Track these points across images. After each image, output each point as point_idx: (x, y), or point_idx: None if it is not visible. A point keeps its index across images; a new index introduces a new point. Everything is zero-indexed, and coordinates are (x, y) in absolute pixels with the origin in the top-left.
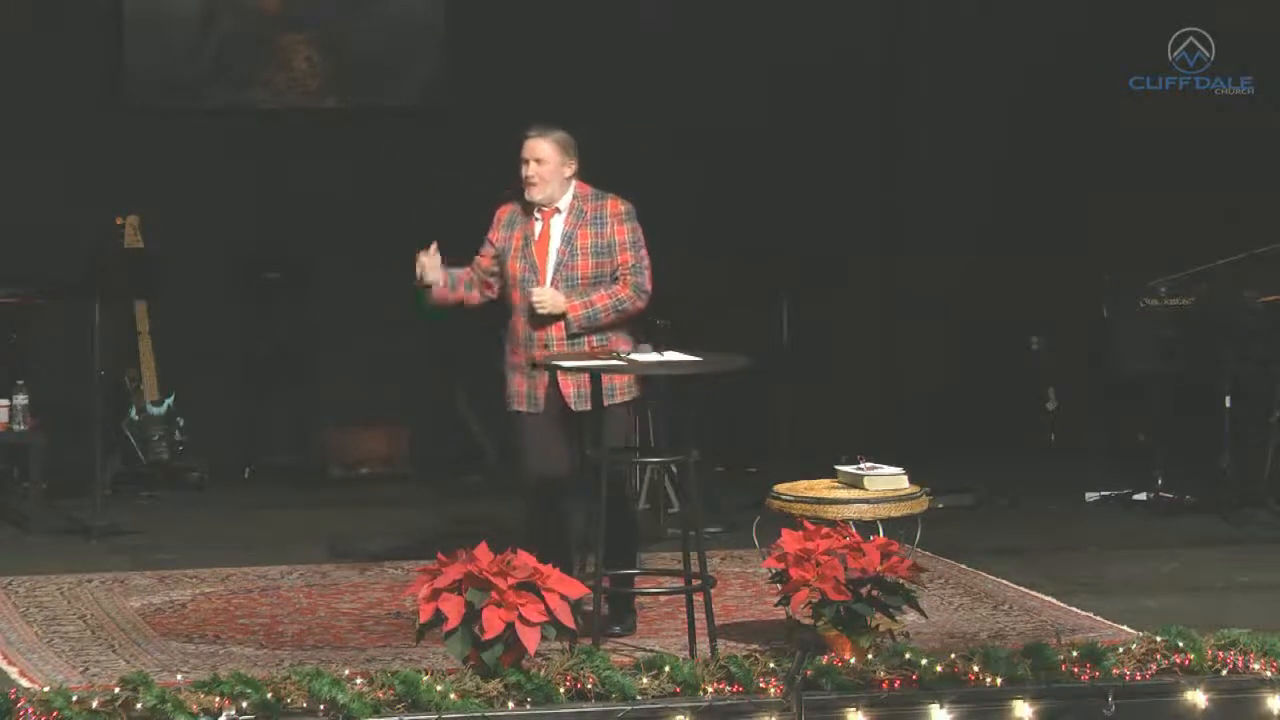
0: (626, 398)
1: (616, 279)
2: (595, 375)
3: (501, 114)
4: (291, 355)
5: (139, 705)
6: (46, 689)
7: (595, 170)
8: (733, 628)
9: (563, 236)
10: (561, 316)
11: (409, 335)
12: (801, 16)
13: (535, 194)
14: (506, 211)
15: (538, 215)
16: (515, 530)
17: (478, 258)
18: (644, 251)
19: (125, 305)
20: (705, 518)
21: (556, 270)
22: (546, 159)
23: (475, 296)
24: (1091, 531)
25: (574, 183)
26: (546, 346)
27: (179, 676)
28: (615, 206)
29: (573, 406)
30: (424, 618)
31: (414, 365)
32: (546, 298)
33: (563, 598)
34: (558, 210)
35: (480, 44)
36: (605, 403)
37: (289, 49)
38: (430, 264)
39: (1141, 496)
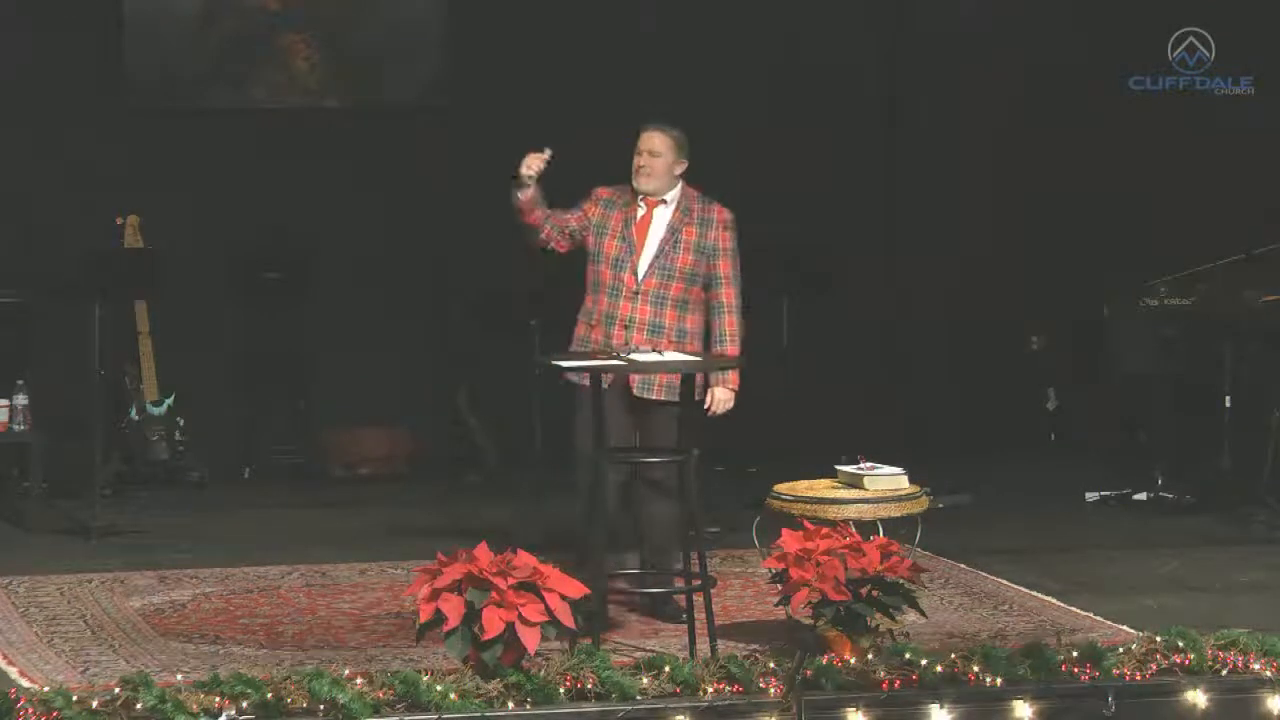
0: (680, 399)
1: (714, 286)
2: (595, 374)
3: (502, 113)
4: (291, 355)
5: (139, 705)
6: (46, 689)
7: (596, 169)
8: (733, 628)
9: (668, 227)
10: (658, 329)
11: (409, 335)
12: (801, 16)
13: (644, 184)
14: (607, 192)
15: (642, 203)
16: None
17: (563, 213)
18: (739, 263)
19: (125, 305)
20: (705, 518)
21: (655, 257)
22: (661, 153)
23: (547, 231)
24: (1091, 531)
25: (682, 182)
26: (627, 328)
27: (179, 676)
28: (723, 214)
29: (636, 391)
30: (424, 618)
31: (414, 365)
32: (723, 400)
33: (563, 598)
34: (664, 202)
35: (480, 43)
36: (664, 399)
37: (289, 49)
38: (535, 162)
39: (1141, 496)
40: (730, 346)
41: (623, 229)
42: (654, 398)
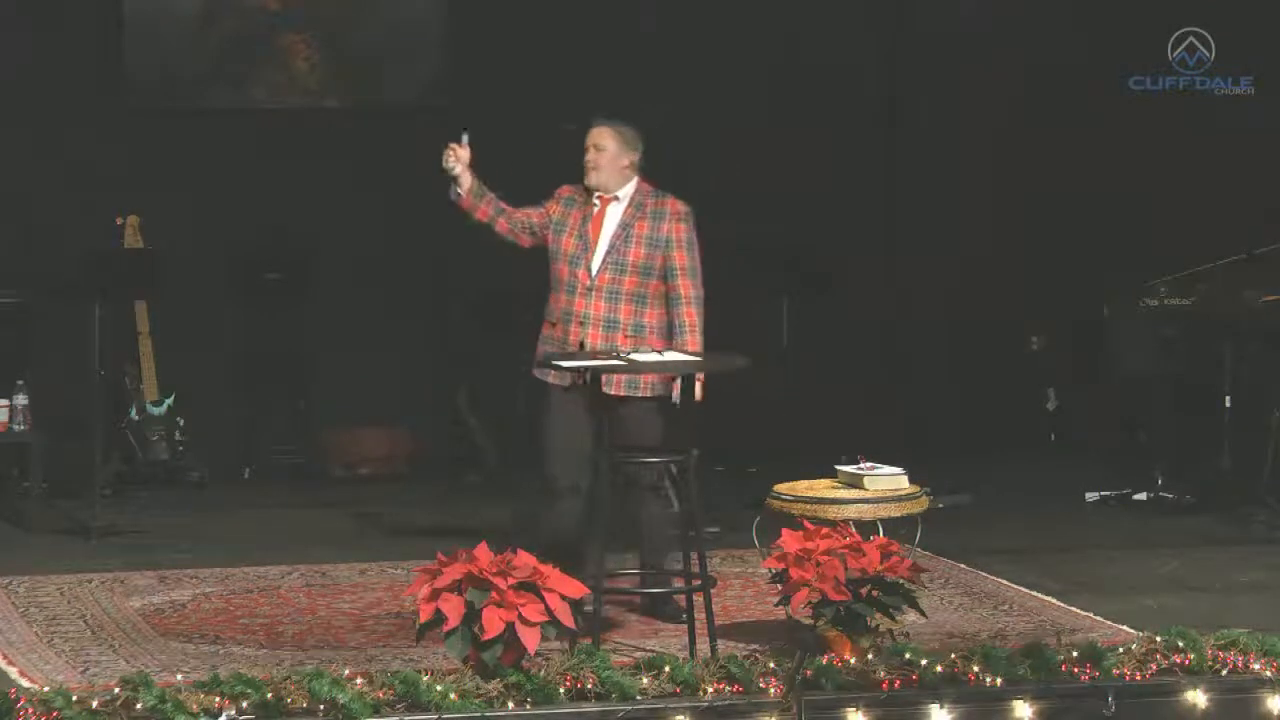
0: (650, 394)
1: (670, 278)
2: (595, 374)
3: (502, 113)
4: (291, 355)
5: (139, 705)
6: (46, 689)
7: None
8: (733, 628)
9: (620, 223)
10: (614, 324)
11: (409, 335)
12: (801, 15)
13: (592, 178)
14: (568, 191)
15: (596, 201)
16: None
17: (527, 208)
18: (697, 254)
19: (125, 305)
20: (705, 518)
21: (608, 253)
22: (606, 147)
23: (502, 224)
24: (1091, 531)
25: (636, 177)
26: (583, 324)
27: (179, 676)
28: (675, 205)
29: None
30: (424, 618)
31: (414, 365)
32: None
33: (563, 598)
34: (616, 198)
35: (480, 43)
36: (625, 394)
37: (289, 49)
38: (459, 154)
39: (1141, 496)
40: (689, 338)
41: (579, 226)
42: (614, 393)
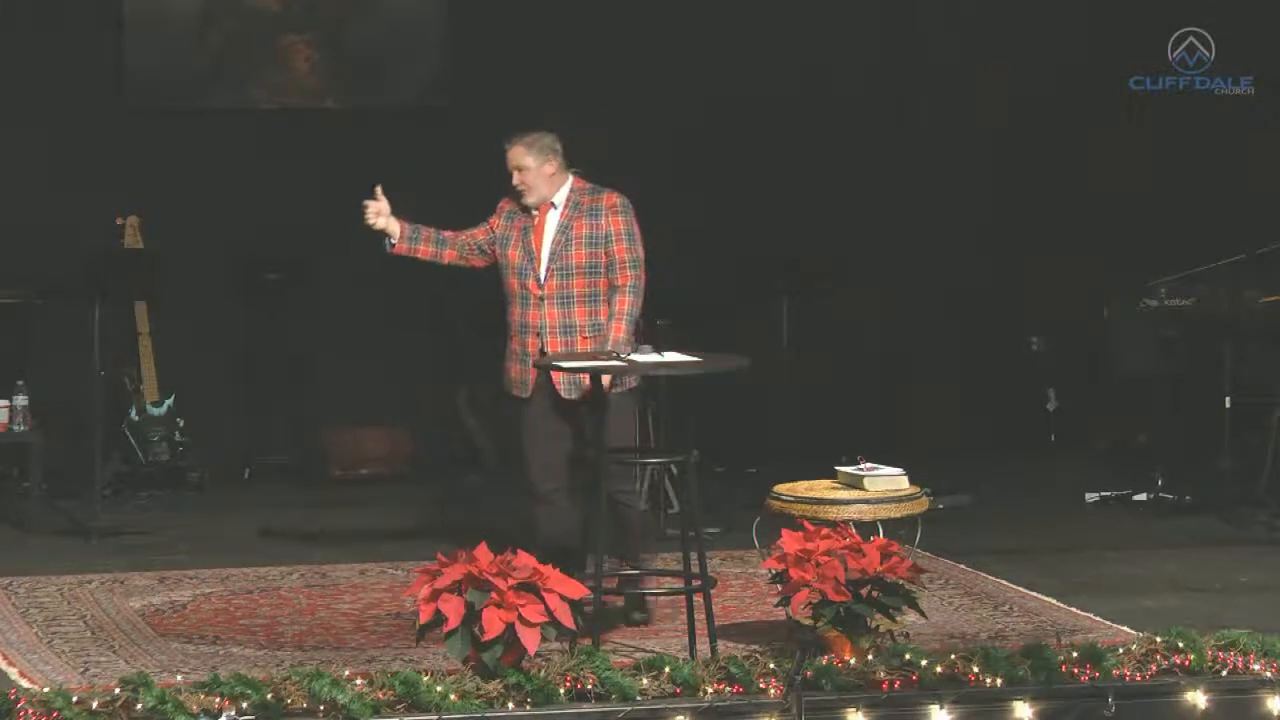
0: (620, 388)
1: (612, 272)
2: (595, 375)
3: (502, 114)
4: (291, 355)
5: (139, 706)
6: (46, 689)
7: (596, 170)
8: (733, 628)
9: (559, 227)
10: (570, 328)
11: (409, 335)
12: (802, 15)
13: (529, 199)
14: (510, 203)
15: (534, 210)
16: (522, 524)
17: (472, 229)
18: (638, 244)
19: (125, 305)
20: (705, 518)
21: (551, 260)
22: (527, 165)
23: (448, 255)
24: (1091, 531)
25: (570, 179)
26: (539, 335)
27: (179, 677)
28: (610, 199)
29: (563, 394)
30: (424, 618)
31: (414, 365)
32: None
33: (563, 598)
34: (553, 205)
35: (480, 44)
36: (572, 398)
37: (289, 49)
38: (378, 207)
39: (1141, 496)
40: (615, 324)
41: (521, 237)
42: (565, 398)
